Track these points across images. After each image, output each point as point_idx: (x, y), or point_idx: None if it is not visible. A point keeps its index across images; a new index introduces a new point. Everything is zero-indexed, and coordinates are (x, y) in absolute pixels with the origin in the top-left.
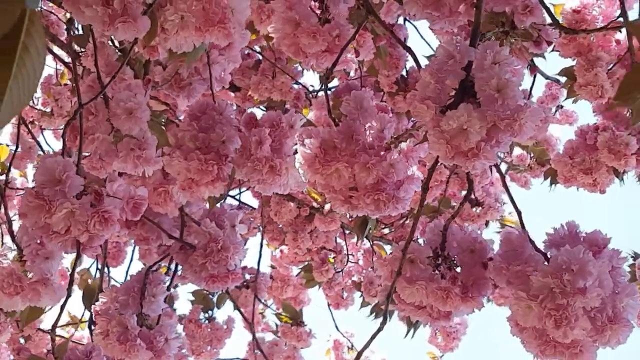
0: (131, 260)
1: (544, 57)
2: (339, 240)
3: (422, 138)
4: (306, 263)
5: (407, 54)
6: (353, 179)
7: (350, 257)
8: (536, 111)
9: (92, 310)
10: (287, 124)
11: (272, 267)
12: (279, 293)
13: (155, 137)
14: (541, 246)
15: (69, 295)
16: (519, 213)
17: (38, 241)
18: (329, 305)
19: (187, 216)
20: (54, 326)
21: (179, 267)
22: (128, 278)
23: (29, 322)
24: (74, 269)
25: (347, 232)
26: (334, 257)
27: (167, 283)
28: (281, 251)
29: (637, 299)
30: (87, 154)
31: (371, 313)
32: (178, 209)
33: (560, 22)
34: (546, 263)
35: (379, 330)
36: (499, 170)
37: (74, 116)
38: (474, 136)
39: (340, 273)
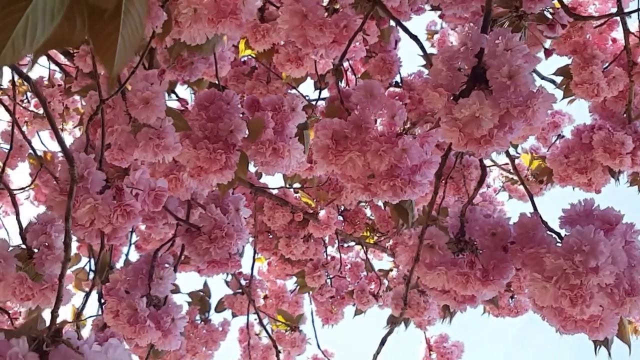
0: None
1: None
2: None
3: (435, 123)
4: (294, 278)
5: (400, 59)
6: (369, 166)
7: (341, 270)
8: (548, 96)
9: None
10: (289, 107)
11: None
12: (274, 311)
13: (172, 126)
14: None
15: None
16: (530, 196)
17: (47, 244)
18: (313, 321)
19: (193, 200)
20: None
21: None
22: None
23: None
24: (97, 262)
25: (340, 238)
26: (325, 264)
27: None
28: (269, 263)
29: None
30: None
31: (387, 323)
32: None
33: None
34: (559, 244)
35: (389, 332)
36: (508, 155)
37: (97, 111)
38: (487, 123)
39: (331, 281)
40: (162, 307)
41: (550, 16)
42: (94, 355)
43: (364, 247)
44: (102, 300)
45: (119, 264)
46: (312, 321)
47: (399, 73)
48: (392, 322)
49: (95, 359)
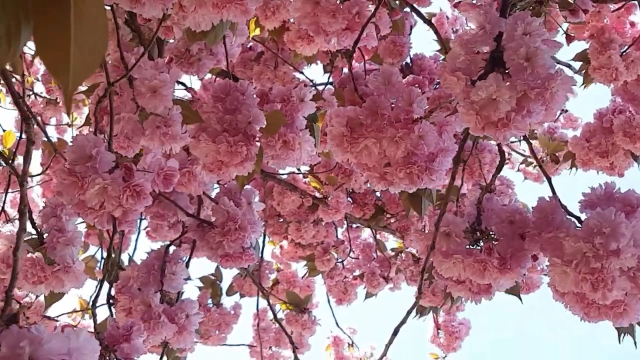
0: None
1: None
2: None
3: (454, 110)
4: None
5: (411, 41)
6: (384, 154)
7: (351, 252)
8: (567, 79)
9: (111, 284)
10: (298, 98)
11: (278, 270)
12: (284, 295)
13: (179, 114)
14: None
15: None
16: (548, 179)
17: (57, 227)
18: (329, 301)
19: (204, 194)
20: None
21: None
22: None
23: (49, 306)
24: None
25: (349, 221)
26: (335, 247)
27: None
28: (281, 247)
29: None
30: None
31: (416, 313)
32: None
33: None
34: (578, 227)
35: (402, 323)
36: (525, 138)
37: (104, 94)
38: (504, 106)
39: (342, 264)
40: (175, 303)
41: (572, 1)
42: (50, 336)
43: (373, 230)
44: (111, 301)
45: (126, 254)
46: (328, 301)
47: (409, 55)
48: (421, 312)
49: (51, 340)
